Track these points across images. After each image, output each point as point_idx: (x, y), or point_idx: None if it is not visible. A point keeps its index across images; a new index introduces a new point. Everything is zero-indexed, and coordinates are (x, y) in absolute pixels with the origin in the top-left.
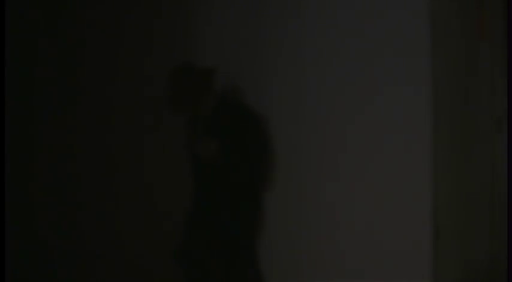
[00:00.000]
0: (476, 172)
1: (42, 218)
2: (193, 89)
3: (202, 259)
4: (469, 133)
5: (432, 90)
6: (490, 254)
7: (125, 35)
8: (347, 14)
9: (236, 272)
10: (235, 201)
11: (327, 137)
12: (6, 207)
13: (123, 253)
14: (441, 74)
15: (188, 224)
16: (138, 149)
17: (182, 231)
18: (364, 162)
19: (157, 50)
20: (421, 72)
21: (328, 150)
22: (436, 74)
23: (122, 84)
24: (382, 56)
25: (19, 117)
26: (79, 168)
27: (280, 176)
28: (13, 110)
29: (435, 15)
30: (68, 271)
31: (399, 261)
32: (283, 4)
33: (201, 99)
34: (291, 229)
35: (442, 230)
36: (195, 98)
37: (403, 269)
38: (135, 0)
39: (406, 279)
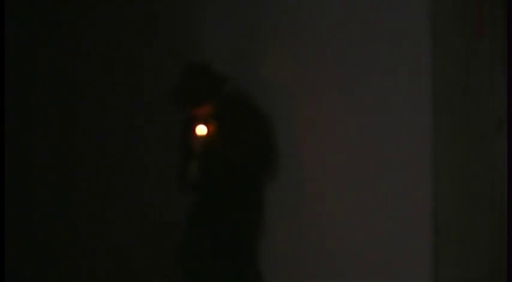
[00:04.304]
0: (476, 172)
1: (42, 218)
2: (202, 90)
3: (202, 259)
4: (469, 133)
5: (432, 90)
6: (490, 253)
7: (125, 34)
8: (347, 14)
9: (236, 272)
10: (236, 201)
11: (327, 137)
12: (7, 207)
13: (123, 253)
14: (441, 74)
15: (188, 224)
16: (138, 149)
17: (182, 231)
18: (364, 162)
19: (157, 50)
20: (421, 72)
21: (328, 150)
22: (436, 74)
23: (122, 84)
24: (381, 56)
25: (19, 117)
26: (79, 168)
27: (280, 176)
28: (13, 110)
29: (435, 15)
30: (68, 271)
31: (399, 261)
32: (283, 4)
33: (206, 99)
34: (291, 229)
35: (442, 230)
36: (201, 97)
37: (403, 269)
38: (135, 0)
39: (406, 279)
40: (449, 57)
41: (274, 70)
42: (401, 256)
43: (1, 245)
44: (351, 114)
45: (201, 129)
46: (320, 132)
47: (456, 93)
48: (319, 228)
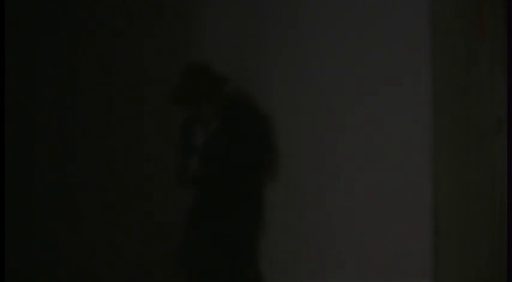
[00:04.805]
0: (476, 172)
1: (42, 218)
2: (202, 90)
3: (202, 259)
4: (469, 133)
5: (432, 90)
6: (490, 254)
7: (125, 35)
8: (347, 14)
9: (236, 272)
10: (236, 201)
11: (327, 137)
12: (7, 207)
13: (123, 253)
14: (441, 74)
15: (188, 224)
16: (138, 149)
17: (182, 231)
18: (364, 162)
19: (157, 50)
20: (421, 72)
21: (328, 150)
22: (436, 74)
23: (122, 84)
24: (382, 56)
25: (19, 117)
26: (79, 168)
27: (280, 176)
28: (13, 110)
29: (435, 15)
30: (68, 271)
31: (399, 261)
32: (283, 4)
33: (206, 99)
34: (291, 229)
35: (442, 230)
36: (201, 97)
37: (403, 269)
38: (135, 0)
39: (406, 279)
40: (449, 57)
41: (274, 70)
42: (401, 256)
43: (1, 245)
44: (350, 114)
45: None
46: (320, 132)
47: (456, 93)
48: (319, 228)
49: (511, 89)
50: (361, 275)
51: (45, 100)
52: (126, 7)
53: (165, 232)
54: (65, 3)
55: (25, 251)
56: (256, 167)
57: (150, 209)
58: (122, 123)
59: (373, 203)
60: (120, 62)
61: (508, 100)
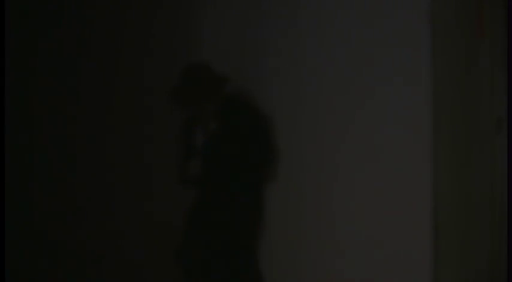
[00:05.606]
0: (476, 172)
1: (42, 218)
2: (202, 90)
3: (202, 259)
4: (469, 133)
5: (432, 90)
6: (490, 254)
7: (125, 34)
8: (347, 14)
9: (236, 272)
10: (236, 201)
11: (327, 137)
12: (7, 207)
13: (123, 253)
14: (441, 74)
15: (188, 224)
16: (138, 149)
17: (182, 231)
18: (364, 162)
19: (157, 50)
20: (421, 72)
21: (328, 150)
22: (436, 74)
23: (122, 84)
24: (381, 56)
25: (19, 117)
26: (79, 168)
27: (280, 176)
28: (13, 110)
29: (435, 15)
30: (68, 271)
31: (399, 261)
32: (283, 4)
33: (206, 99)
34: (291, 229)
35: (441, 230)
36: (201, 97)
37: (403, 269)
38: (135, 0)
39: (406, 280)
40: (449, 57)
41: (274, 70)
42: (402, 256)
43: (1, 245)
44: (350, 114)
45: None
46: (320, 132)
47: (456, 93)
48: (319, 228)
49: (511, 89)
50: (361, 275)
51: (45, 100)
52: (125, 7)
53: (165, 232)
54: (64, 3)
55: (25, 251)
56: (256, 167)
57: (150, 209)
58: (122, 123)
59: (373, 203)
60: (119, 62)
61: (508, 100)
